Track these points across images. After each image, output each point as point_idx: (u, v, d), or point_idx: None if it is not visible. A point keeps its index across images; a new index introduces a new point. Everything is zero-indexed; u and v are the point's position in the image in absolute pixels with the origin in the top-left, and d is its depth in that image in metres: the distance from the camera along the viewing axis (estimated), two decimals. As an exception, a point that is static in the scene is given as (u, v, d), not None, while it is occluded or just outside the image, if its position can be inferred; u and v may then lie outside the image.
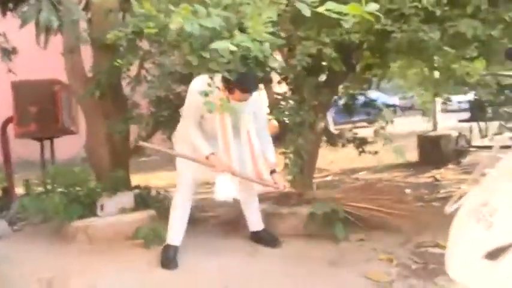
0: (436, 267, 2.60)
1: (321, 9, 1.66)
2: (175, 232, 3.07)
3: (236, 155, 2.88)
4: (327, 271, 2.75)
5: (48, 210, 3.68)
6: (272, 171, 3.01)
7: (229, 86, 2.68)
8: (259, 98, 2.91)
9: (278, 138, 3.66)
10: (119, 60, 3.25)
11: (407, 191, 4.63)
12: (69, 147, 5.94)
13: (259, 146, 2.94)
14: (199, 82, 2.71)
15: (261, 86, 4.00)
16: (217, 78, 2.51)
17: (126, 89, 4.06)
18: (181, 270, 2.95)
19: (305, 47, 3.07)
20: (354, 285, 2.51)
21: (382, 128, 3.36)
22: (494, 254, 1.05)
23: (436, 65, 3.08)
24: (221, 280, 2.73)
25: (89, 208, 3.77)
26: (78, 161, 5.36)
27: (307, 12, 1.77)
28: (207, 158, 2.84)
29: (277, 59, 2.60)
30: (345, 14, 1.98)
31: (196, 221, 3.91)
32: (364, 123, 11.44)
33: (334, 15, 1.98)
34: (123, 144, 4.14)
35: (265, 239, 3.25)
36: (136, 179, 4.57)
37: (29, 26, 5.18)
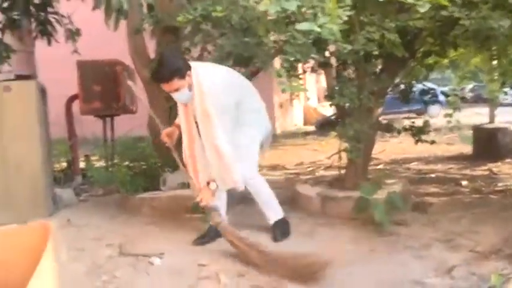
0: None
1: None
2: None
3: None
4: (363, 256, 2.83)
5: (115, 181, 3.96)
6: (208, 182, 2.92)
7: None
8: (205, 90, 2.79)
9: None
10: (187, 42, 3.43)
11: (464, 182, 4.60)
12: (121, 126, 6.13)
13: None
14: None
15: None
16: None
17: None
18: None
19: (368, 32, 3.12)
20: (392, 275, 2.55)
21: (450, 115, 3.35)
22: None
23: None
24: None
25: (151, 182, 4.01)
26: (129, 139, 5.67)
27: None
28: None
29: (347, 45, 2.64)
30: (419, -1, 2.05)
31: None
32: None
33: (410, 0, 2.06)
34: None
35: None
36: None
37: (89, 8, 5.48)
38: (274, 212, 3.22)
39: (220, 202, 3.26)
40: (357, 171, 3.74)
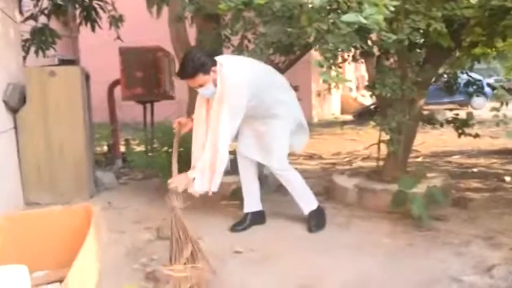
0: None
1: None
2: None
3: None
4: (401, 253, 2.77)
5: (154, 166, 4.06)
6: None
7: None
8: (227, 87, 2.79)
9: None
10: (228, 30, 3.44)
11: (507, 178, 4.44)
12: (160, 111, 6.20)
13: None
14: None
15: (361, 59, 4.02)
16: None
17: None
18: (273, 234, 3.17)
19: (413, 21, 3.03)
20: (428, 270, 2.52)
21: (497, 109, 3.24)
22: None
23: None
24: (310, 246, 2.90)
25: (189, 167, 4.07)
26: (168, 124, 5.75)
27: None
28: None
29: (391, 35, 2.58)
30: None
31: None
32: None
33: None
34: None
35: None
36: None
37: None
38: (307, 203, 3.24)
39: (252, 193, 3.31)
40: (396, 163, 3.68)
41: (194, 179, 2.83)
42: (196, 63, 2.74)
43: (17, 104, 3.93)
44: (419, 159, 5.71)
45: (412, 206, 3.07)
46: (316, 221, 3.19)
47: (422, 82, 3.54)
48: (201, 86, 2.81)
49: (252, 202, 3.32)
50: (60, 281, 2.24)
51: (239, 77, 2.84)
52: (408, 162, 4.13)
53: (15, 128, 3.99)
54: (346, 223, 3.30)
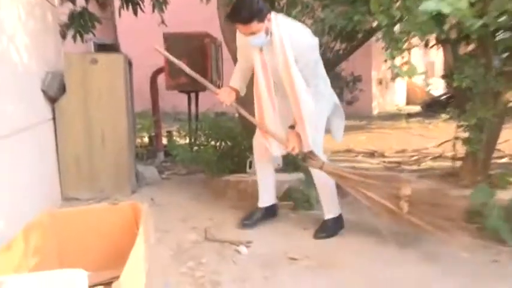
0: None
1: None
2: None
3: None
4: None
5: (200, 162, 4.14)
6: (291, 126, 3.05)
7: None
8: (299, 41, 2.87)
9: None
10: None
11: None
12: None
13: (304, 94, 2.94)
14: None
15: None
16: None
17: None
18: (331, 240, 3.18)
19: (501, 2, 2.92)
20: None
21: None
22: None
23: None
24: (373, 256, 2.87)
25: (237, 164, 4.13)
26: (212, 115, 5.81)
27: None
28: None
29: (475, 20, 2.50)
30: None
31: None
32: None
33: None
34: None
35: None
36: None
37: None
38: (332, 207, 3.26)
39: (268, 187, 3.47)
40: (476, 165, 3.55)
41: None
42: (254, 8, 2.78)
43: (56, 93, 4.02)
44: (504, 160, 5.48)
45: (487, 220, 2.96)
46: (328, 231, 3.23)
47: (510, 72, 3.40)
48: (252, 33, 2.85)
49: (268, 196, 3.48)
50: (105, 283, 2.34)
51: (304, 34, 2.94)
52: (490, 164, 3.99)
53: (54, 119, 4.13)
54: (416, 232, 3.23)
